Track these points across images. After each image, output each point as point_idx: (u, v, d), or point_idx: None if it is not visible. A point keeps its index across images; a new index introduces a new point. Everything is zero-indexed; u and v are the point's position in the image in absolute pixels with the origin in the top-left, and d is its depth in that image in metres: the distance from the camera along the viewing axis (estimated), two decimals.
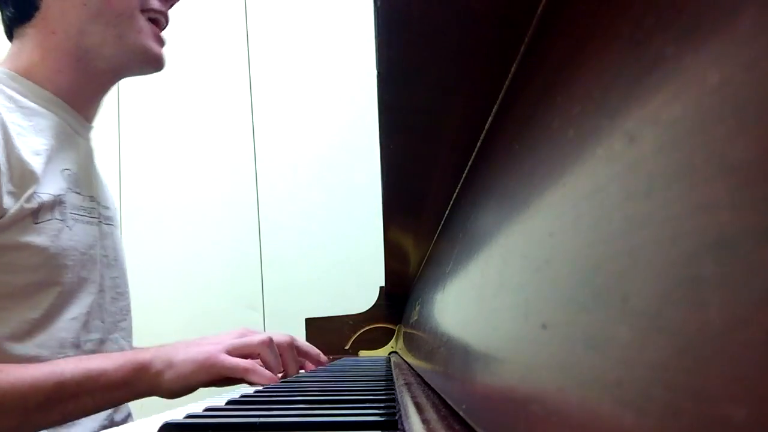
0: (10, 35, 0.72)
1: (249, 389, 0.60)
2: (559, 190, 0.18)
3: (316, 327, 1.26)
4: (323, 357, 0.84)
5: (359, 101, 1.56)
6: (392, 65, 0.33)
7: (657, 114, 0.12)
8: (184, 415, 0.39)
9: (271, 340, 0.68)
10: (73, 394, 0.56)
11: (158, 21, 0.73)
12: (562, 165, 0.18)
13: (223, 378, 0.63)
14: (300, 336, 1.26)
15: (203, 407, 0.44)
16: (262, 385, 0.62)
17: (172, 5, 0.75)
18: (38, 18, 0.69)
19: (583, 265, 0.15)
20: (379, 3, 0.27)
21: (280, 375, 0.69)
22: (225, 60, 1.67)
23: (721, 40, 0.10)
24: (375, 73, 0.34)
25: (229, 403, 0.48)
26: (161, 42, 0.74)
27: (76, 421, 0.66)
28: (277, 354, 0.69)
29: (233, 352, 0.64)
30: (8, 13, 0.70)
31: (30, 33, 0.70)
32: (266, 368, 0.66)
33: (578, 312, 0.14)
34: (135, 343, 0.91)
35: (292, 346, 0.74)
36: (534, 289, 0.19)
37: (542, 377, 0.16)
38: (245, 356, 0.65)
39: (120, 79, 0.76)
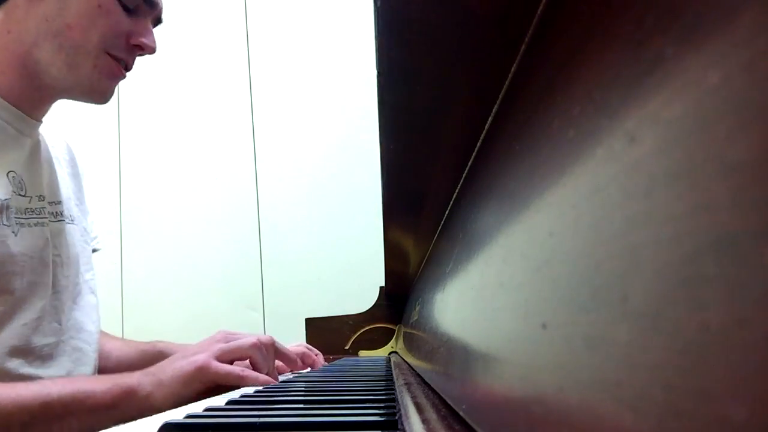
0: None
1: (249, 389, 0.60)
2: (559, 190, 0.18)
3: (316, 327, 1.26)
4: (320, 359, 0.82)
5: (359, 101, 1.56)
6: (392, 65, 0.33)
7: (657, 114, 0.12)
8: (184, 415, 0.39)
9: (260, 341, 0.67)
10: (59, 416, 0.54)
11: (123, 62, 0.71)
12: (562, 165, 0.18)
13: (216, 385, 0.62)
14: (300, 336, 1.26)
15: (203, 407, 0.44)
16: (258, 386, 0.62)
17: (135, 58, 0.72)
18: (3, 11, 0.67)
19: (583, 265, 0.15)
20: (379, 3, 0.27)
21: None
22: (225, 60, 1.67)
23: (721, 40, 0.10)
24: (375, 73, 0.34)
25: (229, 403, 0.48)
26: (117, 78, 0.71)
27: None
28: (266, 355, 0.68)
29: (223, 357, 0.63)
30: None
31: None
32: (256, 370, 0.66)
33: (578, 312, 0.14)
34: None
35: (273, 347, 0.72)
36: (534, 289, 0.19)
37: (542, 377, 0.16)
38: (235, 360, 0.65)
39: (66, 98, 0.73)
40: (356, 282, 1.47)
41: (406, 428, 0.31)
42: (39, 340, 0.67)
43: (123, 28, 0.69)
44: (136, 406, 0.58)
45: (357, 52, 1.57)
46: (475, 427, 0.24)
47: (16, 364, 0.63)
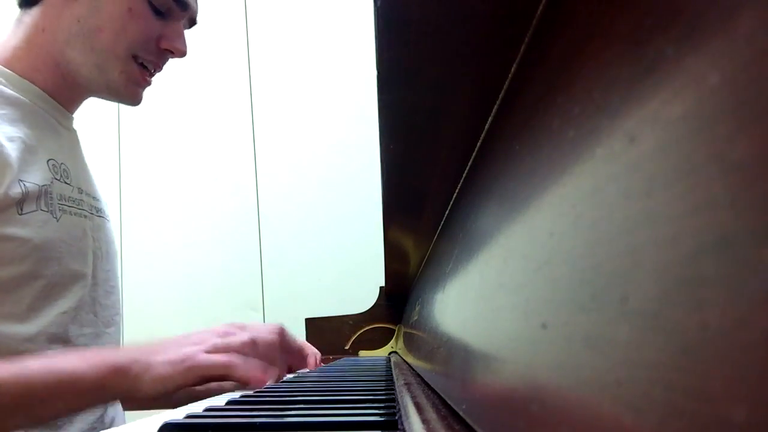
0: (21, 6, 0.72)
1: (248, 390, 0.60)
2: (559, 190, 0.18)
3: (316, 327, 1.26)
4: (312, 360, 0.78)
5: (359, 101, 1.56)
6: (392, 65, 0.33)
7: (657, 114, 0.12)
8: (184, 415, 0.39)
9: (253, 341, 0.63)
10: (42, 399, 0.52)
11: (149, 67, 0.72)
12: (562, 165, 0.18)
13: (205, 379, 0.59)
14: (300, 336, 1.26)
15: (203, 407, 0.44)
16: (249, 382, 0.59)
17: (167, 60, 0.73)
18: (38, 10, 0.69)
19: (583, 265, 0.15)
20: (379, 3, 0.27)
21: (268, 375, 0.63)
22: (225, 60, 1.67)
23: (721, 40, 0.10)
24: (375, 73, 0.34)
25: (229, 403, 0.48)
26: (144, 84, 0.73)
27: (70, 419, 0.65)
28: (264, 353, 0.63)
29: (213, 352, 0.61)
30: None
31: (26, 22, 0.70)
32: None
33: (578, 312, 0.14)
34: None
35: (276, 346, 0.67)
36: (534, 289, 0.19)
37: (542, 377, 0.16)
38: None
39: (96, 96, 0.75)
40: (356, 282, 1.47)
41: (406, 428, 0.31)
42: (76, 330, 0.67)
43: (153, 32, 0.70)
44: (124, 386, 0.56)
45: (357, 52, 1.57)
46: (475, 427, 0.24)
47: (54, 353, 0.63)
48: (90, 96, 0.75)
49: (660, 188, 0.11)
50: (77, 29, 0.68)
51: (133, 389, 0.56)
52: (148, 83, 0.73)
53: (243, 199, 1.63)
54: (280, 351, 0.67)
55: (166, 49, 0.72)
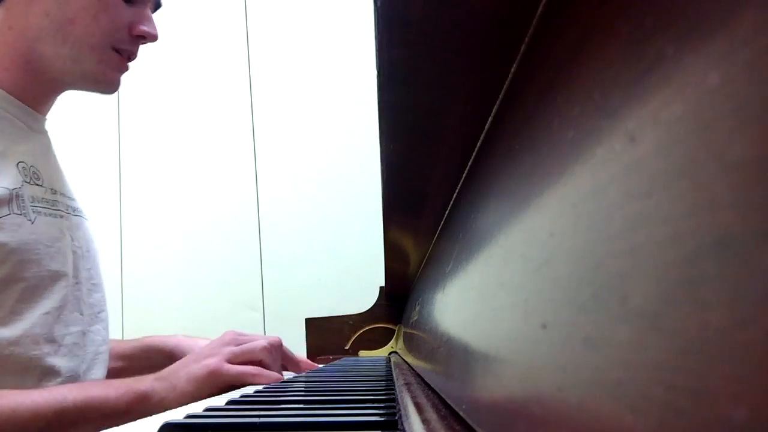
0: None
1: (249, 389, 0.60)
2: (559, 190, 0.18)
3: (316, 327, 1.26)
4: (303, 365, 0.83)
5: (359, 101, 1.56)
6: (392, 65, 0.33)
7: (657, 114, 0.12)
8: (184, 415, 0.39)
9: (270, 345, 0.69)
10: (73, 422, 0.55)
11: (125, 55, 0.72)
12: (562, 165, 0.18)
13: (229, 388, 0.63)
14: (300, 336, 1.26)
15: (203, 407, 0.44)
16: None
17: (143, 43, 0.74)
18: (3, 9, 0.68)
19: (583, 265, 0.15)
20: (379, 3, 0.27)
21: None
22: (225, 60, 1.67)
23: (721, 40, 0.10)
24: (375, 73, 0.34)
25: (229, 403, 0.48)
26: (123, 70, 0.73)
27: None
28: (276, 357, 0.70)
29: (234, 360, 0.64)
30: None
31: None
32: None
33: (578, 312, 0.14)
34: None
35: (280, 350, 0.74)
36: (534, 289, 0.19)
37: (542, 377, 0.16)
38: (246, 363, 0.65)
39: (71, 89, 0.75)
40: (356, 282, 1.47)
41: (406, 428, 0.31)
42: (62, 330, 0.67)
43: (124, 19, 0.70)
44: (150, 412, 0.57)
45: (357, 52, 1.57)
46: (475, 427, 0.24)
47: (41, 353, 0.64)
48: (64, 90, 0.74)
49: (660, 188, 0.11)
50: (47, 23, 0.67)
51: (159, 412, 0.58)
52: (127, 68, 0.73)
53: (243, 198, 1.63)
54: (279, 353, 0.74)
55: (139, 35, 0.71)
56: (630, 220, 0.12)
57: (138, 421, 0.43)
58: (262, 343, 0.68)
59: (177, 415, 0.40)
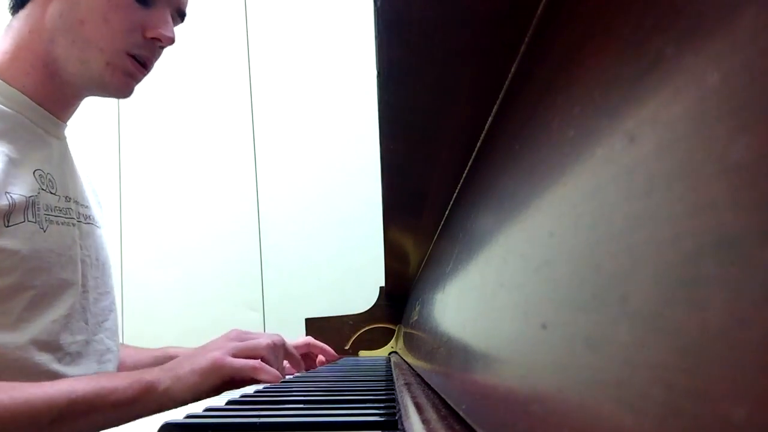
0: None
1: (249, 389, 0.60)
2: (559, 190, 0.18)
3: (316, 327, 1.26)
4: (303, 366, 0.84)
5: (359, 101, 1.56)
6: (392, 65, 0.33)
7: (657, 114, 0.12)
8: (184, 415, 0.39)
9: (274, 343, 0.69)
10: (84, 412, 0.56)
11: (143, 61, 0.71)
12: (562, 165, 0.18)
13: (232, 380, 0.64)
14: (300, 336, 1.26)
15: (203, 407, 0.44)
16: (274, 382, 0.64)
17: (159, 52, 0.72)
18: (25, 12, 0.68)
19: (583, 265, 0.15)
20: (379, 3, 0.27)
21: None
22: (225, 60, 1.67)
23: (721, 40, 0.10)
24: (375, 73, 0.34)
25: (229, 403, 0.48)
26: (138, 76, 0.72)
27: None
28: (279, 355, 0.70)
29: (238, 354, 0.65)
30: None
31: (14, 27, 0.69)
32: None
33: (578, 312, 0.14)
34: (136, 345, 0.91)
35: (284, 348, 0.74)
36: (534, 289, 0.19)
37: (542, 377, 0.16)
38: (249, 359, 0.66)
39: (87, 95, 0.74)
40: (356, 282, 1.47)
41: (406, 428, 0.31)
42: (68, 338, 0.68)
43: (136, 21, 0.68)
44: (156, 400, 0.60)
45: (357, 52, 1.57)
46: (475, 427, 0.24)
47: (45, 360, 0.64)
48: (82, 95, 0.74)
49: (660, 188, 0.11)
50: (60, 24, 0.67)
51: (165, 402, 0.60)
52: (142, 74, 0.72)
53: (243, 199, 1.63)
54: (282, 352, 0.74)
55: (153, 38, 0.70)
56: (630, 220, 0.12)
57: (137, 421, 0.43)
58: (265, 340, 0.69)
59: (177, 415, 0.40)
